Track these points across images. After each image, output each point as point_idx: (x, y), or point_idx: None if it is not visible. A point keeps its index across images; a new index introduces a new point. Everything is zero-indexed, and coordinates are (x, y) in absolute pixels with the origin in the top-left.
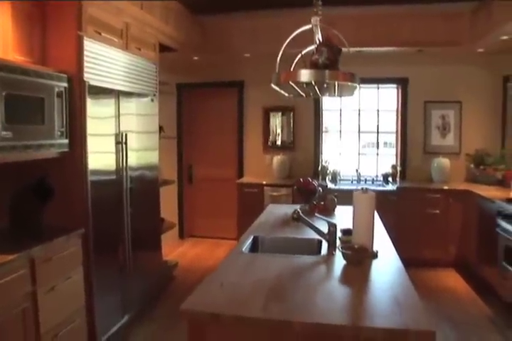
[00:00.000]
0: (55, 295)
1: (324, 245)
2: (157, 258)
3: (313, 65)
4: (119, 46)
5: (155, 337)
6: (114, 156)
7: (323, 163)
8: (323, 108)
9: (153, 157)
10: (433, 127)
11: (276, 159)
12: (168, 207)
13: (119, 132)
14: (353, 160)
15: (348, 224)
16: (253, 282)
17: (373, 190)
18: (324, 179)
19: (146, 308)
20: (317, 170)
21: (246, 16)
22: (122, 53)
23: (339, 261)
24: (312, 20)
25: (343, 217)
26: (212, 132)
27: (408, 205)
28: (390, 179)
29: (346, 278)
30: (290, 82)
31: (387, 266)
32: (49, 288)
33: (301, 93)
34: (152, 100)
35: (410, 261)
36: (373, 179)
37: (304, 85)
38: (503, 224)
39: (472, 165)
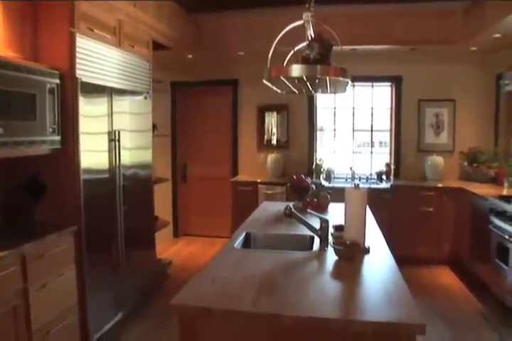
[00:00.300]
0: (46, 292)
1: (316, 241)
2: (151, 256)
3: (305, 61)
4: (111, 43)
5: (148, 335)
6: (107, 154)
7: (318, 161)
8: (318, 106)
9: (146, 155)
10: (427, 125)
11: (271, 157)
12: (163, 205)
13: (112, 130)
14: (348, 158)
15: (341, 221)
16: (244, 277)
17: (367, 188)
18: (318, 177)
19: (139, 306)
20: (311, 169)
21: (240, 14)
22: (115, 50)
23: (331, 257)
24: (304, 16)
25: (336, 213)
26: (206, 130)
27: (402, 203)
28: (383, 177)
29: (338, 273)
30: (282, 78)
31: (378, 262)
32: (41, 285)
33: (294, 89)
34: (145, 98)
35: (404, 258)
36: (367, 177)
37: (296, 81)
38: (496, 221)
39: (465, 163)
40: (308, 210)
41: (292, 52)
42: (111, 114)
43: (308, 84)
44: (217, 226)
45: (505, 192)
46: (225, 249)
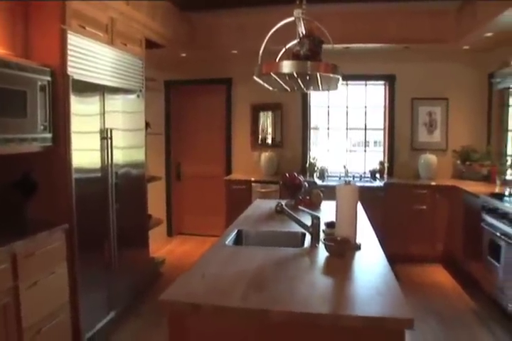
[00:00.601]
0: (37, 290)
1: (308, 238)
2: (144, 255)
3: (295, 57)
4: (104, 41)
5: (141, 334)
6: (99, 153)
7: (311, 160)
8: (312, 105)
9: (139, 154)
10: (420, 124)
11: (264, 156)
12: (157, 204)
13: (104, 128)
14: (341, 157)
15: (333, 218)
16: (234, 273)
17: (361, 186)
18: (312, 175)
19: (132, 304)
20: (305, 167)
21: (233, 13)
22: (107, 48)
23: (322, 253)
24: (295, 13)
25: (329, 211)
26: (200, 129)
27: (395, 201)
28: (377, 175)
29: (328, 269)
30: (272, 74)
31: (369, 258)
32: (31, 283)
33: (285, 86)
34: (138, 96)
35: (397, 256)
36: (361, 175)
37: (287, 77)
38: (488, 218)
39: (458, 162)
40: (300, 207)
41: (284, 50)
42: (103, 113)
43: (299, 80)
44: (211, 225)
45: (497, 190)
46: (215, 246)
